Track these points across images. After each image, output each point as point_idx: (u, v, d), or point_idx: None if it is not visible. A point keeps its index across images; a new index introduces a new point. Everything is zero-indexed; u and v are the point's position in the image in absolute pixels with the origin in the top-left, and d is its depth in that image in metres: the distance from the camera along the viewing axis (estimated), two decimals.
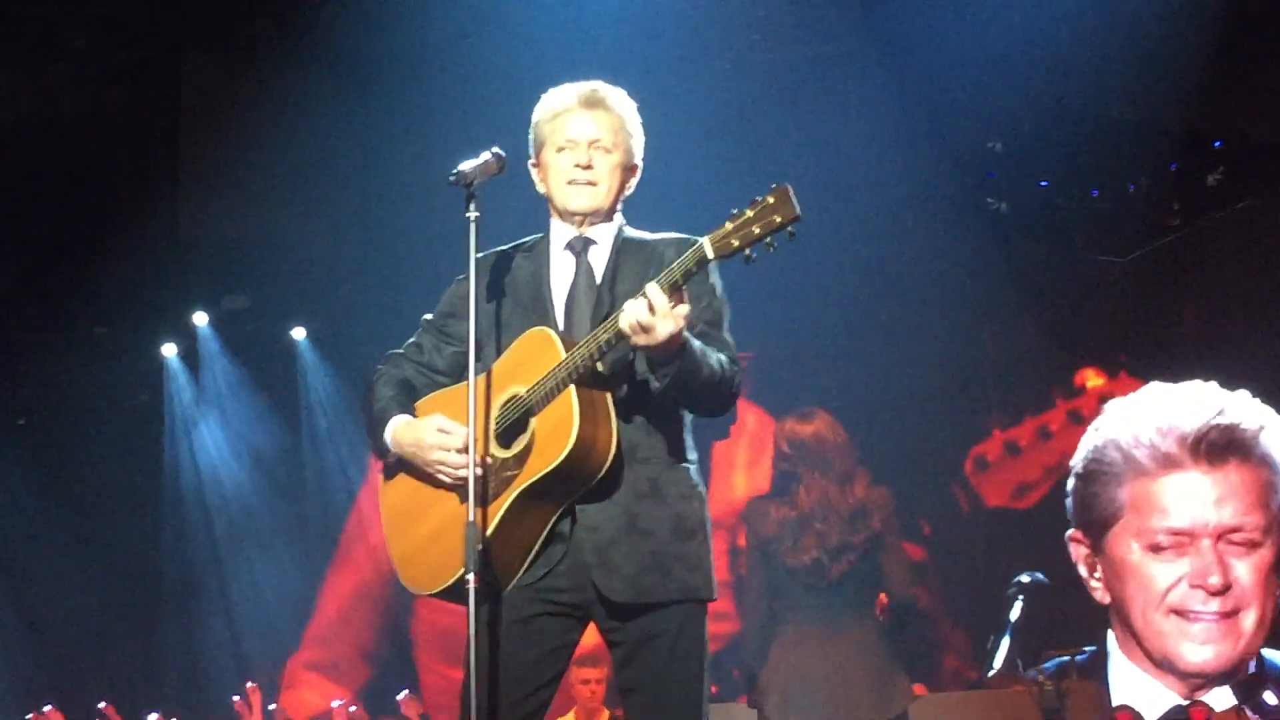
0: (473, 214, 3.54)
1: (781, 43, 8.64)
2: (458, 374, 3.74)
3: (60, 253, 9.91)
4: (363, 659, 12.09)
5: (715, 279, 3.71)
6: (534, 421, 3.50)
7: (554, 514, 3.54)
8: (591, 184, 3.71)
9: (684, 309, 3.34)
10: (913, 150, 9.04)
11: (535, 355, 3.53)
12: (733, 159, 8.81)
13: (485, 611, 3.38)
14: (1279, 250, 9.47)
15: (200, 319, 11.38)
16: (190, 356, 11.53)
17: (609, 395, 3.52)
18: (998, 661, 8.61)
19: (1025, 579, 7.17)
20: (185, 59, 9.80)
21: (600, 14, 8.25)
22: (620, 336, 3.36)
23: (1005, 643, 7.84)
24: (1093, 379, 10.22)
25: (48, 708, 9.31)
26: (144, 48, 9.61)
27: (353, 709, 9.92)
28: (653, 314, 3.28)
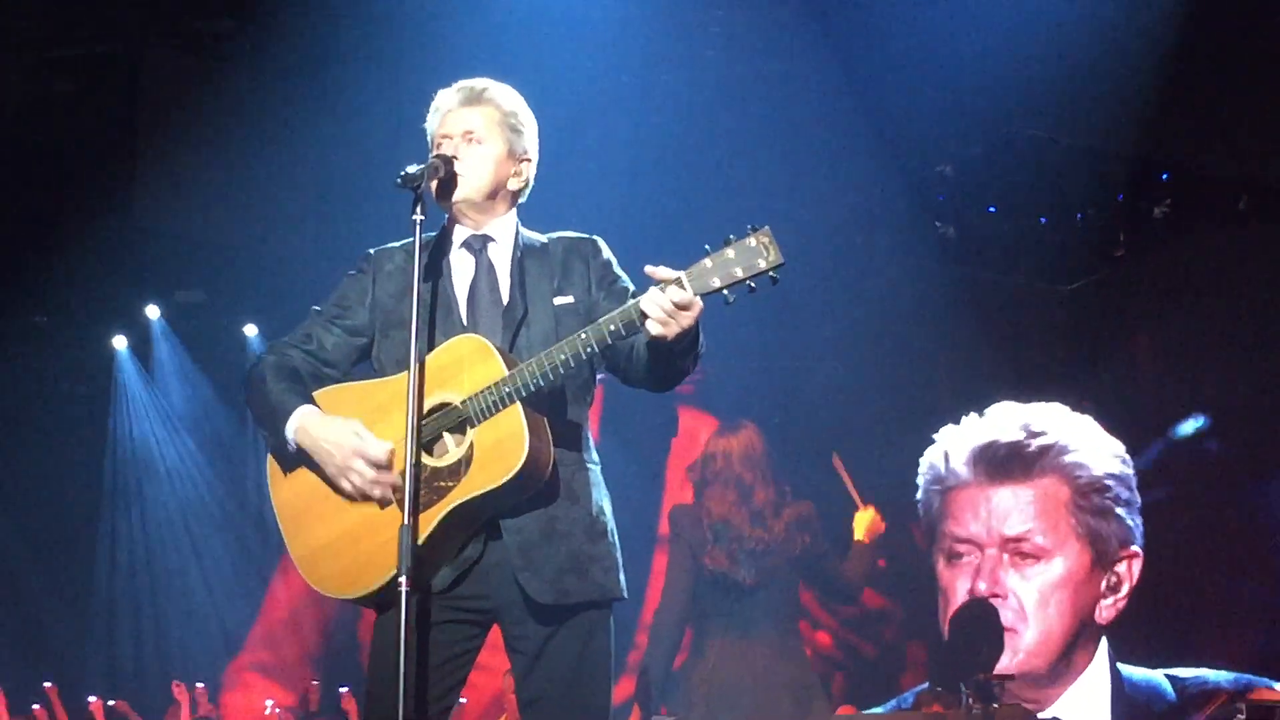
0: (418, 216, 3.55)
1: (736, 58, 8.65)
2: (345, 366, 3.75)
3: (8, 240, 9.86)
4: (308, 662, 12.01)
5: (617, 269, 3.74)
6: (473, 434, 3.47)
7: (481, 524, 3.54)
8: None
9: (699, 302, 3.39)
10: (863, 168, 9.05)
11: (468, 364, 3.50)
12: (682, 173, 8.84)
13: (393, 617, 3.36)
14: (1224, 285, 9.52)
15: (152, 312, 11.36)
16: (141, 348, 11.50)
17: (545, 415, 3.52)
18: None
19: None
20: (146, 52, 9.78)
21: (558, 25, 8.28)
22: (583, 356, 3.39)
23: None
24: None
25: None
26: (104, 40, 9.58)
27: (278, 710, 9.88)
28: (678, 305, 3.35)
